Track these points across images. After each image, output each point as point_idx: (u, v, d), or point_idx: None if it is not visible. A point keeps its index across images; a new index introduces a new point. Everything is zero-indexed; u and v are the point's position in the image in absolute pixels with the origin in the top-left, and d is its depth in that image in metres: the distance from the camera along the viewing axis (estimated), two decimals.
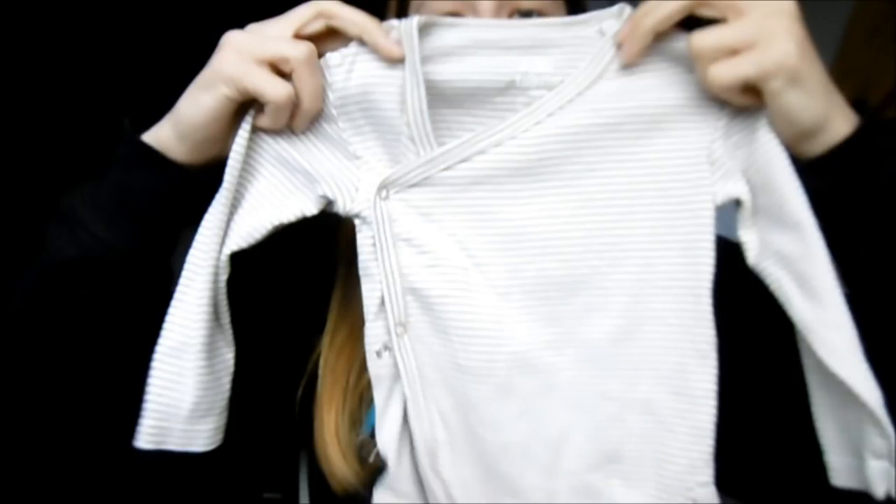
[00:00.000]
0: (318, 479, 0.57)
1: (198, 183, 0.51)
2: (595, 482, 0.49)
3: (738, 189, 0.48)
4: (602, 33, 0.49)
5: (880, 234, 0.48)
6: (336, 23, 0.50)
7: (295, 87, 0.49)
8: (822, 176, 0.47)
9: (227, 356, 0.52)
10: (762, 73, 0.45)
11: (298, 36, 0.49)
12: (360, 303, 0.53)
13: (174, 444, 0.50)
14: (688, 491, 0.48)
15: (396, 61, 0.49)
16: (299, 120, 0.50)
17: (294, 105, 0.50)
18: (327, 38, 0.50)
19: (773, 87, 0.45)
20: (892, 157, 0.47)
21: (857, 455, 0.46)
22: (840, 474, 0.47)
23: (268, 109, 0.49)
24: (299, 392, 0.60)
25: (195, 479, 0.62)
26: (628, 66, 0.49)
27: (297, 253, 0.63)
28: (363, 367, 0.58)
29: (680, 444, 0.48)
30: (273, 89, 0.48)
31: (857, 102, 0.49)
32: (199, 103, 0.50)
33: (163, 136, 0.51)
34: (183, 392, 0.49)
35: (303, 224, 0.61)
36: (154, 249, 0.52)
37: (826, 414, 0.47)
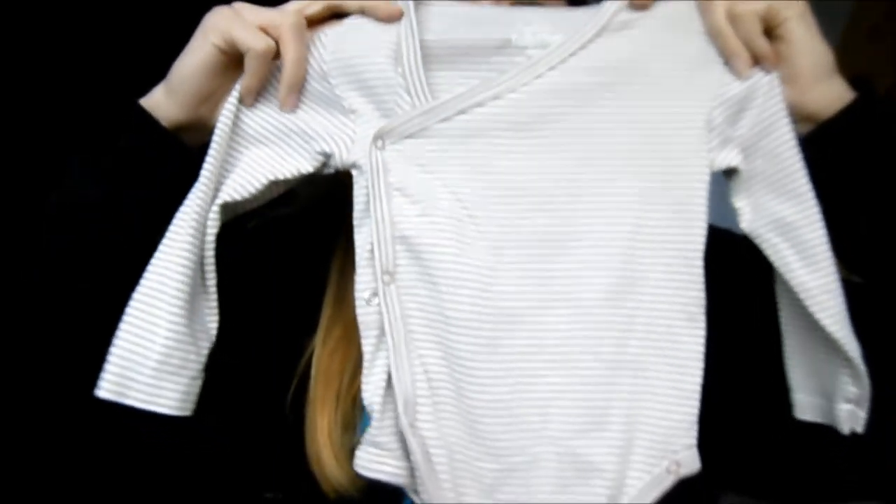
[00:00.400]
0: (310, 482, 0.57)
1: (183, 149, 0.52)
2: (581, 449, 0.49)
3: (734, 158, 0.50)
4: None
5: (882, 203, 0.49)
6: (337, 1, 0.52)
7: (281, 52, 0.50)
8: (825, 142, 0.50)
9: (210, 322, 0.51)
10: (775, 3, 0.48)
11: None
12: (353, 303, 0.52)
13: (136, 399, 0.47)
14: (673, 454, 0.49)
15: (396, 19, 0.50)
16: (283, 89, 0.51)
17: (279, 75, 0.51)
18: (328, 23, 0.53)
19: (785, 14, 0.48)
20: (891, 126, 0.50)
21: (823, 397, 0.51)
22: (805, 410, 0.53)
23: (247, 60, 0.50)
24: (290, 394, 0.59)
25: (196, 478, 0.62)
26: (640, 8, 0.50)
27: (291, 253, 0.63)
28: (357, 369, 0.58)
29: (666, 406, 0.49)
30: (253, 38, 0.50)
31: (857, 79, 0.51)
32: (188, 54, 0.52)
33: (156, 94, 0.53)
34: (153, 341, 0.47)
35: (299, 226, 0.61)
36: (133, 211, 0.52)
37: (798, 361, 0.52)
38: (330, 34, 0.52)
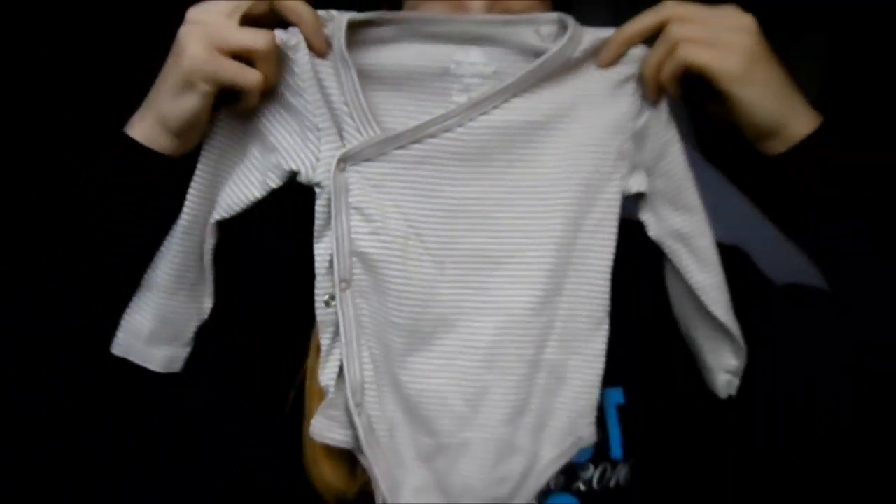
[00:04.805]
0: (306, 484, 0.58)
1: (176, 166, 0.56)
2: (505, 436, 0.56)
3: (641, 182, 0.59)
4: (539, 34, 0.57)
5: (835, 230, 0.56)
6: (279, 7, 0.54)
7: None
8: (781, 174, 0.56)
9: (205, 303, 0.59)
10: (716, 69, 0.53)
11: (248, 16, 0.54)
12: None
13: (136, 358, 0.57)
14: (578, 430, 0.57)
15: (323, 53, 0.55)
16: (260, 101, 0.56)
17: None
18: (270, 20, 0.55)
19: (725, 87, 0.53)
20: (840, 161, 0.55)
21: (704, 369, 0.61)
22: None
23: (244, 95, 0.54)
24: (291, 395, 0.60)
25: (198, 479, 0.63)
26: (604, 66, 0.57)
27: (290, 257, 0.63)
28: None
29: (575, 395, 0.58)
30: (248, 79, 0.53)
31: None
32: (185, 104, 0.53)
33: (152, 133, 0.55)
34: (143, 319, 0.58)
35: (297, 231, 0.62)
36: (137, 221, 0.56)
37: (699, 344, 0.61)
38: (291, 49, 0.55)
